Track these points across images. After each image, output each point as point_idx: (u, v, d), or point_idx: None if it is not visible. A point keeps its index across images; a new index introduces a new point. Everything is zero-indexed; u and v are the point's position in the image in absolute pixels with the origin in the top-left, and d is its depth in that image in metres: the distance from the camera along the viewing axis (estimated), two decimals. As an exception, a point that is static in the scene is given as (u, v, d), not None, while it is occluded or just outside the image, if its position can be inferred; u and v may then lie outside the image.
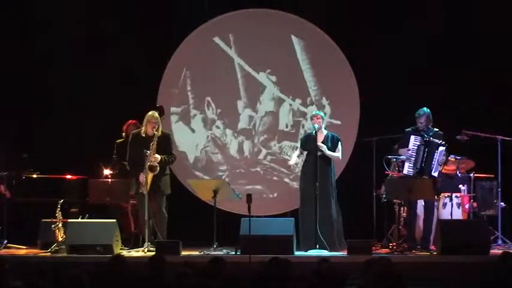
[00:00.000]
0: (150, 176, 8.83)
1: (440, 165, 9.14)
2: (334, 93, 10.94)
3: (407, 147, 9.11)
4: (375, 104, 10.53)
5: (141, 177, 8.82)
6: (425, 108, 9.20)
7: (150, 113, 9.04)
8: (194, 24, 10.92)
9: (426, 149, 9.05)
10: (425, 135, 9.10)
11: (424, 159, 9.05)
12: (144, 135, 8.95)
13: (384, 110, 10.19)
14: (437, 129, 9.19)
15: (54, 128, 10.56)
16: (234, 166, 10.96)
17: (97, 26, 10.73)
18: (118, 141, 9.73)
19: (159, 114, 9.15)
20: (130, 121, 9.71)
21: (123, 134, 9.73)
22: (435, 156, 9.03)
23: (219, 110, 10.98)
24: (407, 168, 9.13)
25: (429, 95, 10.16)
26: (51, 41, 10.73)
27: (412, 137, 9.13)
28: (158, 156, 8.87)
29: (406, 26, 10.44)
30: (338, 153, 9.25)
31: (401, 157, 9.16)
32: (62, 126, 10.58)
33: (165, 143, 9.04)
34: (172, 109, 10.94)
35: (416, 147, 9.09)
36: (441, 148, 9.04)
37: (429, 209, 9.20)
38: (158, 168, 8.83)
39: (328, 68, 10.93)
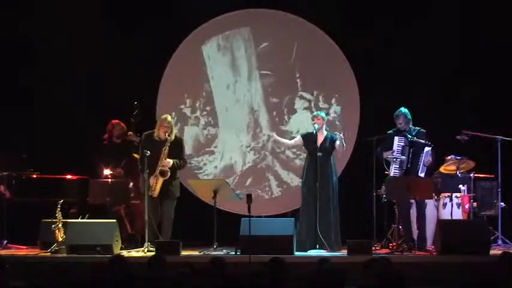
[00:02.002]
0: (161, 180, 8.84)
1: (426, 166, 9.11)
2: (334, 93, 10.94)
3: (391, 149, 9.07)
4: (374, 104, 10.53)
5: (151, 180, 8.82)
6: (402, 108, 9.15)
7: (163, 116, 9.05)
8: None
9: (411, 150, 9.02)
10: (409, 136, 9.06)
11: (410, 160, 9.03)
12: (156, 138, 8.96)
13: (384, 110, 10.18)
14: (419, 128, 9.16)
15: (54, 128, 10.56)
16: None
17: (97, 25, 10.72)
18: (104, 143, 9.73)
19: (136, 113, 9.19)
20: (113, 121, 9.71)
21: (107, 135, 9.72)
22: (421, 157, 9.01)
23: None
24: (394, 170, 9.09)
25: (429, 95, 10.17)
26: (51, 40, 10.71)
27: (396, 138, 9.08)
28: (170, 161, 8.88)
29: (406, 26, 10.44)
30: (338, 143, 9.15)
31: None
32: (62, 126, 10.57)
33: (177, 148, 9.04)
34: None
35: (401, 148, 9.05)
36: (427, 148, 9.00)
37: (421, 208, 9.16)
38: (169, 173, 8.85)
39: (328, 68, 10.93)
